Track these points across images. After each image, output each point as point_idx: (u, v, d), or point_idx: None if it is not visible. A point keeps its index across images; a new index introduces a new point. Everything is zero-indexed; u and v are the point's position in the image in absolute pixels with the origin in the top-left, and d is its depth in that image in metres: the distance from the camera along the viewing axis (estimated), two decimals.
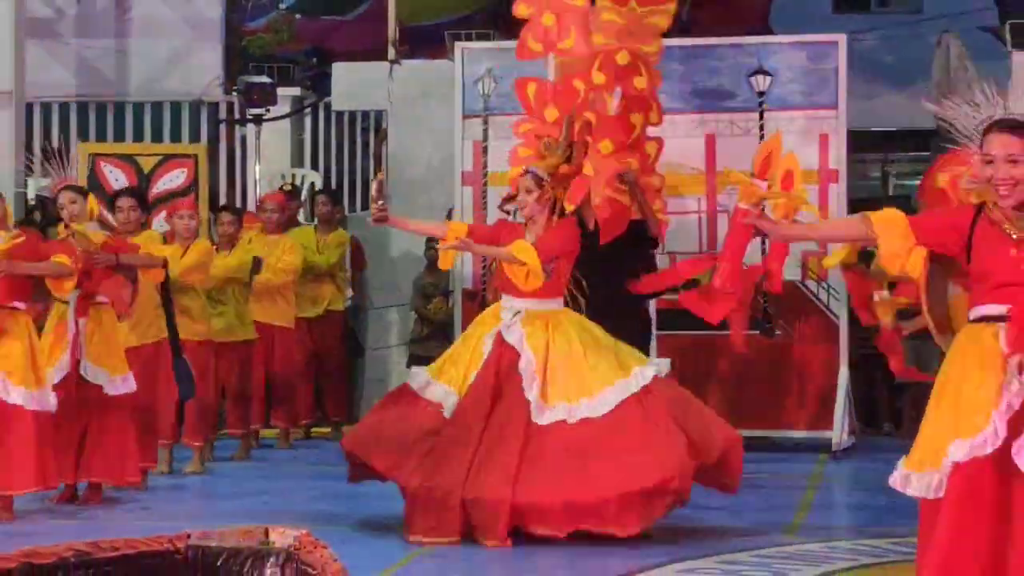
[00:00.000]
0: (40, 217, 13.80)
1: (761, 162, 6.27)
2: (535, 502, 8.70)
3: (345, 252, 14.44)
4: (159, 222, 12.69)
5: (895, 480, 5.87)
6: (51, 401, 9.73)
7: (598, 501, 8.67)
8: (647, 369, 9.08)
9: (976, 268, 5.77)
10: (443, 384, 9.12)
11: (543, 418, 8.82)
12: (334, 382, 14.56)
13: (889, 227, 5.83)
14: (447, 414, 8.99)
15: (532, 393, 8.86)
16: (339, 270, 14.39)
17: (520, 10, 10.56)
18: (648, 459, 8.71)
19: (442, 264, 10.05)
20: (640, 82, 10.59)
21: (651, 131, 11.67)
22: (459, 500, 8.67)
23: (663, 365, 9.47)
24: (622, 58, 10.56)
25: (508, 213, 10.07)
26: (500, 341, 9.04)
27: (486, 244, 9.38)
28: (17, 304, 9.77)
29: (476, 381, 8.99)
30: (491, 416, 8.88)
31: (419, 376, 9.34)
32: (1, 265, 9.52)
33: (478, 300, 12.36)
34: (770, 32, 18.07)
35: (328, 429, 14.18)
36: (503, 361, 9.00)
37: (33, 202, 15.01)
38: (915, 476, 5.77)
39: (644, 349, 11.17)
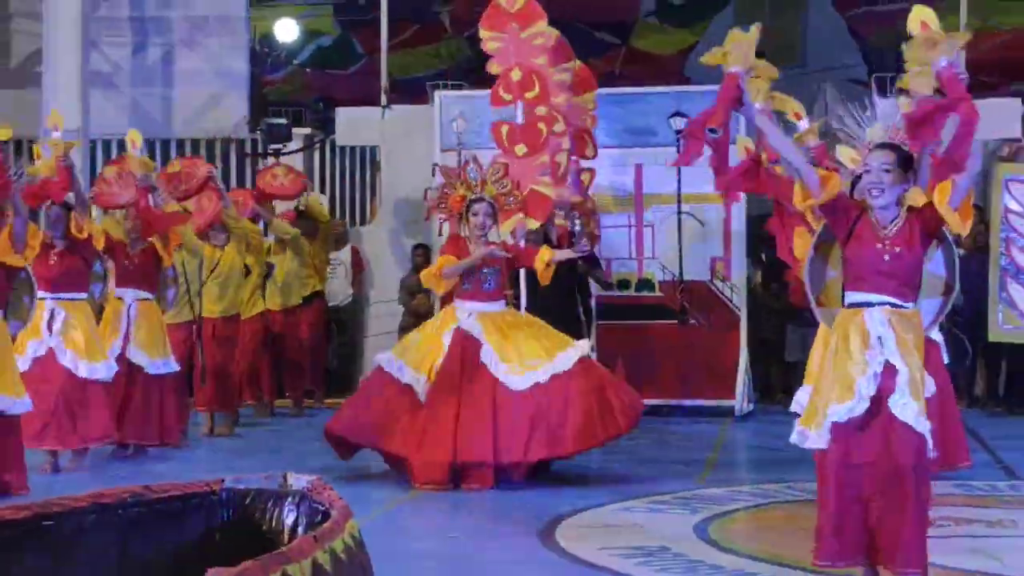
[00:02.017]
0: None
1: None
2: (514, 460, 8.75)
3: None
4: None
5: (794, 437, 5.93)
6: (110, 373, 9.68)
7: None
8: (582, 343, 9.21)
9: (850, 254, 5.82)
10: (411, 368, 9.05)
11: (519, 384, 8.80)
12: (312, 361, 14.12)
13: (822, 176, 5.89)
14: (421, 398, 8.92)
15: (500, 370, 8.83)
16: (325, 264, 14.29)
17: (492, 68, 10.50)
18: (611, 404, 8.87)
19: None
20: (558, 126, 10.44)
21: (586, 163, 11.73)
22: (448, 461, 8.67)
23: (586, 345, 9.41)
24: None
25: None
26: (461, 335, 8.98)
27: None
28: (79, 295, 9.65)
29: (443, 367, 8.91)
30: (462, 393, 8.83)
31: (392, 362, 9.22)
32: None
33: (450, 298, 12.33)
34: (687, 82, 18.09)
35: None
36: (466, 352, 8.93)
37: None
38: (809, 433, 5.84)
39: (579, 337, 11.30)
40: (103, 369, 9.61)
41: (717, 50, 6.11)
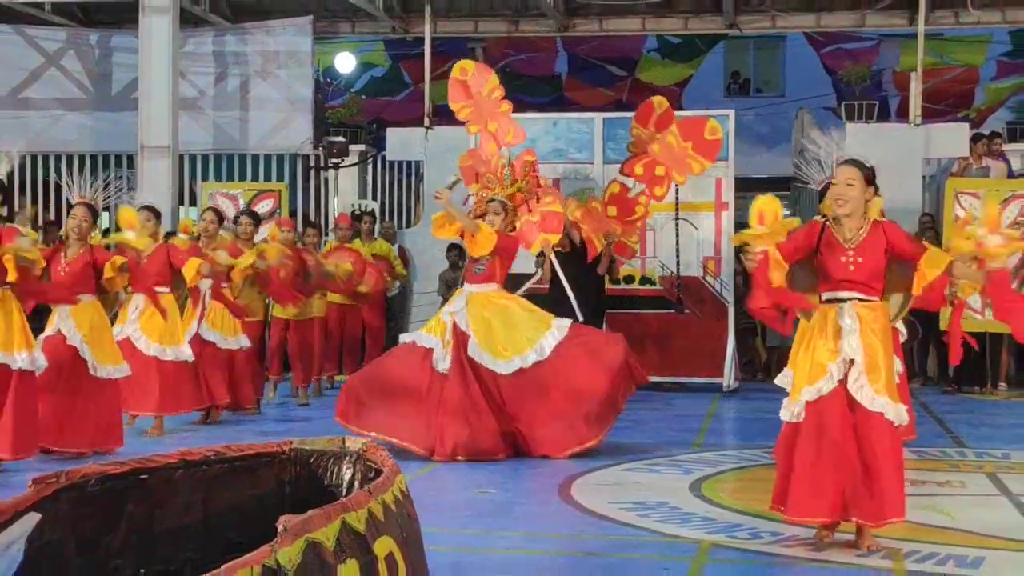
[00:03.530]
0: None
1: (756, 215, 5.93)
2: (519, 430, 8.62)
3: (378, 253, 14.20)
4: (261, 233, 12.52)
5: (781, 413, 5.91)
6: (186, 353, 9.57)
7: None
8: (561, 322, 8.89)
9: (821, 265, 5.81)
10: (428, 335, 8.85)
11: (505, 369, 8.60)
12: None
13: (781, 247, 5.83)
14: (439, 367, 8.58)
15: (485, 359, 8.61)
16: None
17: (471, 129, 10.38)
18: (595, 377, 8.64)
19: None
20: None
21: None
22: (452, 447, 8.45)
23: (565, 323, 8.98)
24: None
25: None
26: (455, 326, 8.73)
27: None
28: (163, 289, 9.47)
29: (452, 356, 8.64)
30: (466, 380, 8.59)
31: (408, 336, 9.21)
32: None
33: None
34: (682, 109, 18.05)
35: None
36: (459, 343, 8.65)
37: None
38: (789, 409, 5.83)
39: (600, 322, 11.28)
40: (180, 352, 9.55)
41: (751, 233, 5.79)
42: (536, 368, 8.62)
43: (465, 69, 10.30)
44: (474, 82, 10.22)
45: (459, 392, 8.53)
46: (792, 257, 5.78)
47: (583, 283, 10.83)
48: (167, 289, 9.49)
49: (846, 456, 5.63)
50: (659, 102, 10.97)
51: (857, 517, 5.67)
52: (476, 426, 8.49)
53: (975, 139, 14.94)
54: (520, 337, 8.72)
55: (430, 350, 8.73)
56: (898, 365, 7.13)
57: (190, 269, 9.23)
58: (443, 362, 8.64)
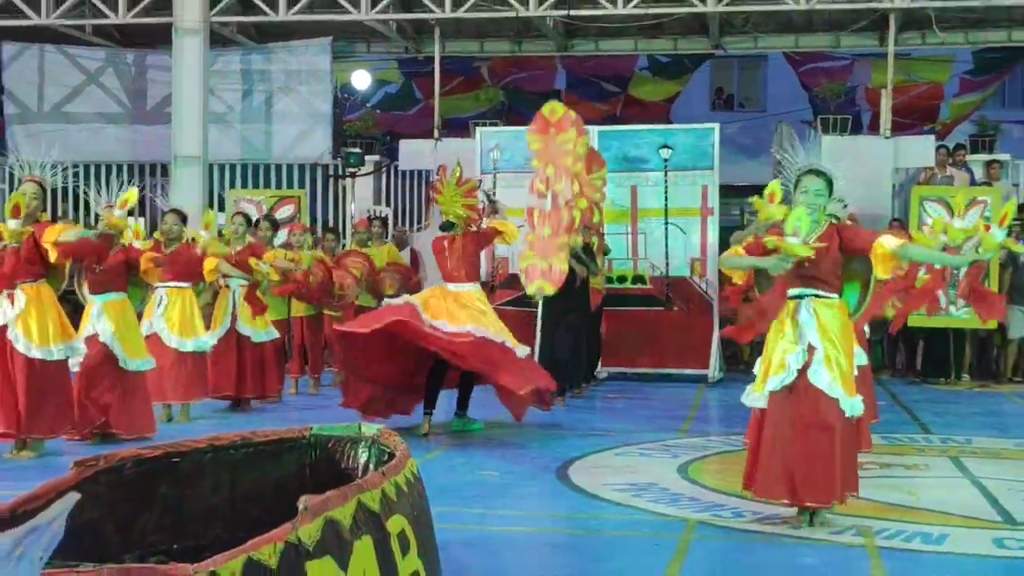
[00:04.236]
0: None
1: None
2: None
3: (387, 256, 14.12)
4: (281, 237, 12.49)
5: (743, 398, 5.95)
6: (207, 344, 9.57)
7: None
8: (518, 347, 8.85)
9: None
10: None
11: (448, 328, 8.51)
12: None
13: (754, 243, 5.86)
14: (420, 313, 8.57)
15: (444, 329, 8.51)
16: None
17: (534, 163, 10.08)
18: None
19: None
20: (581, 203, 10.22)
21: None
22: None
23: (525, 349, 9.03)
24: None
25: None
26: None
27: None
28: (183, 283, 9.48)
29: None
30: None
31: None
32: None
33: (488, 287, 12.31)
34: (671, 122, 18.04)
35: None
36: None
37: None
38: (753, 395, 5.84)
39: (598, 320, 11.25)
40: (199, 343, 9.53)
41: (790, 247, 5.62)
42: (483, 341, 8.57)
43: (555, 111, 10.12)
44: (557, 125, 10.03)
45: None
46: (757, 252, 5.80)
47: (571, 298, 10.67)
48: (188, 284, 9.50)
49: (802, 441, 5.63)
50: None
51: (811, 501, 5.66)
52: None
53: (940, 150, 14.94)
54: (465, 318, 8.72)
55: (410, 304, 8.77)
56: (863, 357, 7.14)
57: (208, 267, 9.26)
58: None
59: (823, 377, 5.61)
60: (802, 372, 5.64)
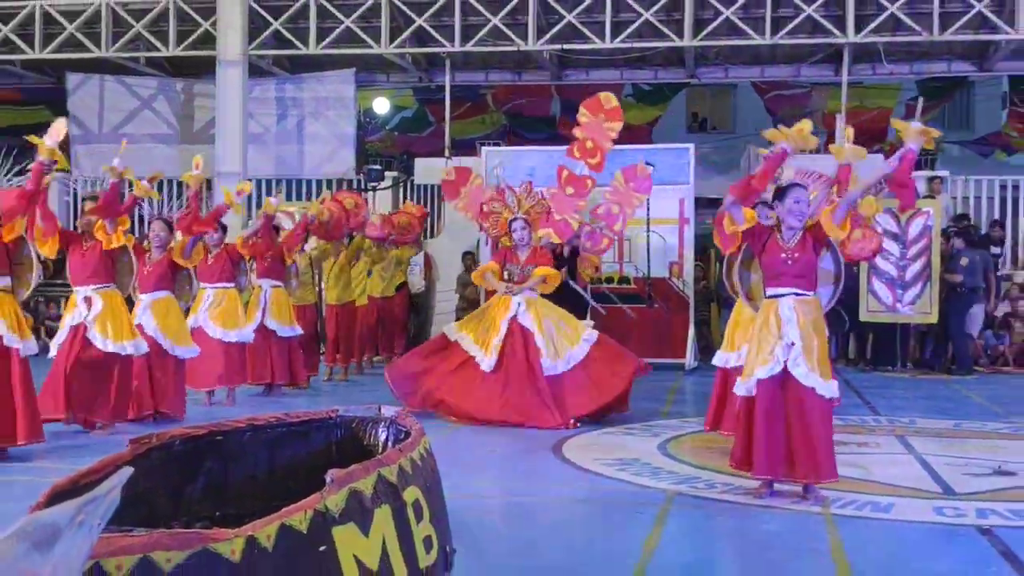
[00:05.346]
0: None
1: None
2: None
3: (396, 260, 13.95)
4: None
5: (736, 388, 5.93)
6: (249, 335, 9.60)
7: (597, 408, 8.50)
8: (590, 333, 8.74)
9: (764, 262, 5.82)
10: (469, 337, 8.67)
11: (554, 369, 8.43)
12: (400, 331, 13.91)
13: (747, 214, 5.96)
14: (484, 367, 8.39)
15: (546, 356, 8.42)
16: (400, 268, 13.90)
17: (577, 132, 10.04)
18: (614, 380, 8.55)
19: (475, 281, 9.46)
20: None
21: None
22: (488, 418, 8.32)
23: (592, 330, 8.90)
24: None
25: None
26: (515, 322, 8.52)
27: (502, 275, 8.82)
28: (227, 284, 9.55)
29: (503, 348, 8.46)
30: (511, 367, 8.45)
31: (453, 331, 8.87)
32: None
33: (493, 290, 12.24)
34: (652, 143, 18.02)
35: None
36: (518, 335, 8.49)
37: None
38: (743, 385, 5.82)
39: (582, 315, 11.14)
40: (241, 334, 9.53)
41: (778, 132, 5.72)
42: (574, 371, 8.48)
43: (610, 99, 10.13)
44: (608, 113, 10.00)
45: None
46: (752, 238, 5.87)
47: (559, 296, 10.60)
48: (231, 284, 9.57)
49: (789, 426, 5.63)
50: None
51: (801, 477, 5.66)
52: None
53: None
54: (566, 342, 8.54)
55: (470, 357, 8.58)
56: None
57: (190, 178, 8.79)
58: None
59: (802, 368, 5.60)
60: (785, 364, 5.63)
